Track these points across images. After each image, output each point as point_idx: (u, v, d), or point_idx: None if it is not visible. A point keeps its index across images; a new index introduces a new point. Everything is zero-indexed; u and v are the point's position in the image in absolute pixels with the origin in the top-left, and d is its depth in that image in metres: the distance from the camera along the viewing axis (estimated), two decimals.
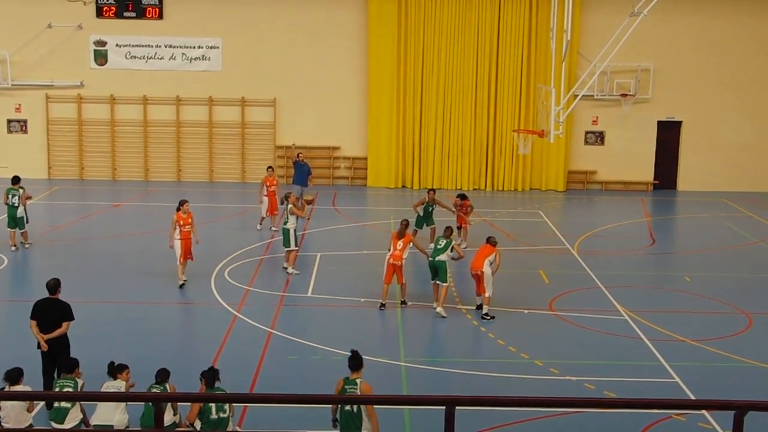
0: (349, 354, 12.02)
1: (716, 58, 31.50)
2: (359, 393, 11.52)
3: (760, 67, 31.49)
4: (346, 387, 11.69)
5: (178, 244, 19.21)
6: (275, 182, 24.40)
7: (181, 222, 19.22)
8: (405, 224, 18.71)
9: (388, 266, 18.19)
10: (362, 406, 11.37)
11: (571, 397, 7.17)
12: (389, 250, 18.37)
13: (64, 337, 13.66)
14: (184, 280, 19.36)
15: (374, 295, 18.85)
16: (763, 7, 31.20)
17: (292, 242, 20.35)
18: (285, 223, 20.55)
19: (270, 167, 25.22)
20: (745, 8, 31.21)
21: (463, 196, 23.28)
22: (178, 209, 19.39)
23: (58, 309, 13.68)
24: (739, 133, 31.94)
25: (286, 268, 20.49)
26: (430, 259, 18.14)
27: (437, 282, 18.06)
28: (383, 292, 18.28)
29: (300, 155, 26.42)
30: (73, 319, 13.74)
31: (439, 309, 17.93)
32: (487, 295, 17.89)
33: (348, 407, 11.44)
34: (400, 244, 18.19)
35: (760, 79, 31.54)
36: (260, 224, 24.42)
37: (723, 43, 31.39)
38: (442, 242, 18.21)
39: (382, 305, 18.27)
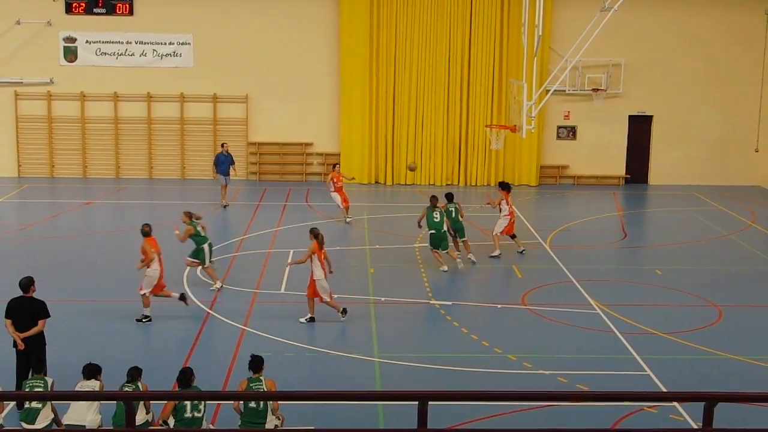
0: (250, 359, 12.44)
1: (687, 52, 31.71)
2: (265, 388, 12.08)
3: (730, 62, 31.73)
4: (251, 385, 12.12)
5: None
6: (341, 178, 25.29)
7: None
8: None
9: None
10: (268, 403, 11.93)
11: (544, 391, 7.21)
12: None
13: (40, 336, 13.65)
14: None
15: (346, 291, 18.86)
16: (733, 0, 31.44)
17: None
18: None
19: (337, 164, 26.29)
20: (716, 2, 31.44)
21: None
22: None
23: (34, 307, 13.67)
24: (710, 127, 32.19)
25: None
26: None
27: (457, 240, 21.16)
28: None
29: (224, 146, 27.63)
30: (49, 316, 13.72)
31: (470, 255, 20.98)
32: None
33: (253, 404, 11.91)
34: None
35: (730, 74, 31.78)
36: (348, 217, 25.09)
37: (693, 37, 31.60)
38: (437, 215, 20.60)
39: None
